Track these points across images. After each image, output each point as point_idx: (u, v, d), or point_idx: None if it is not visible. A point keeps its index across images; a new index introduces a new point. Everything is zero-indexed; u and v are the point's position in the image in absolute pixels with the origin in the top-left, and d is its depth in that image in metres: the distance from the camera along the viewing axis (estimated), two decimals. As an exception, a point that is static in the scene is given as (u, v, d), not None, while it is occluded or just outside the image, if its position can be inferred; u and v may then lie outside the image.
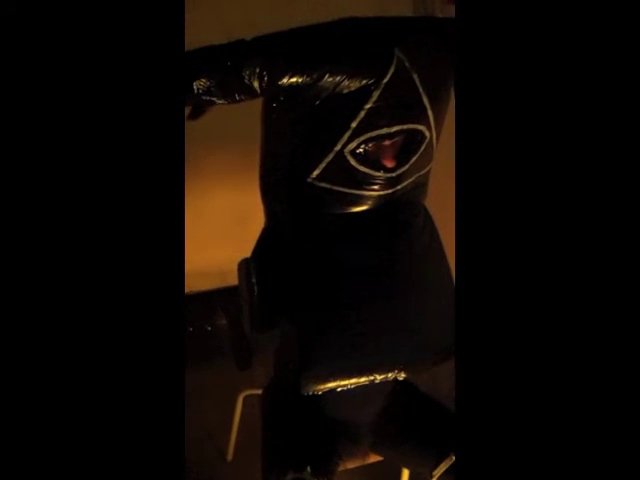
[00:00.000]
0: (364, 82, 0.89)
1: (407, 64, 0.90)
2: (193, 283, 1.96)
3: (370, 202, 1.02)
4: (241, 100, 0.92)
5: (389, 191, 1.00)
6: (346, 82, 0.88)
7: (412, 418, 1.15)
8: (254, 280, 1.13)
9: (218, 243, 1.87)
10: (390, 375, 1.05)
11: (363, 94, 0.90)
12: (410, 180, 1.02)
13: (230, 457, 1.58)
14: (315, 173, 0.97)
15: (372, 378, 1.04)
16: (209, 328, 1.94)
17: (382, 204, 1.03)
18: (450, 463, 1.07)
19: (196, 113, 0.94)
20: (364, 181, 0.98)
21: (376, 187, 0.99)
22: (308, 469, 0.98)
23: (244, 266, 1.15)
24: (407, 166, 0.99)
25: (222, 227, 1.95)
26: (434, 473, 1.08)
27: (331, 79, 0.88)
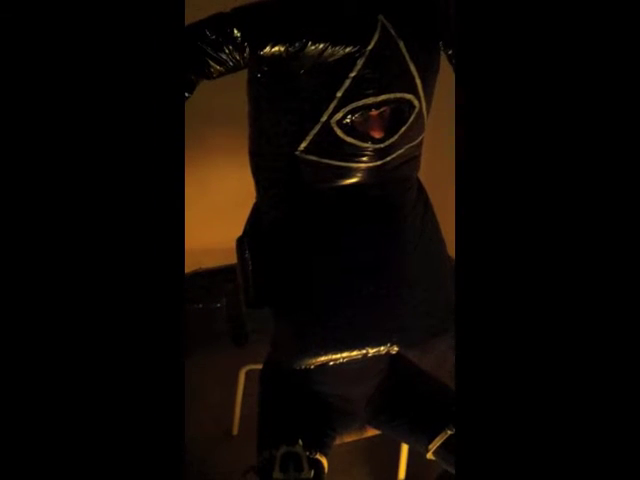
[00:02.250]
0: (347, 50, 0.86)
1: (392, 31, 0.87)
2: (199, 260, 1.98)
3: (360, 175, 0.99)
4: (224, 73, 0.91)
5: (378, 163, 0.98)
6: (329, 50, 0.86)
7: (408, 392, 1.15)
8: (247, 256, 1.12)
9: (224, 220, 1.89)
10: (382, 349, 1.04)
11: (347, 62, 0.87)
12: (400, 152, 1.00)
13: (235, 431, 1.60)
14: (302, 146, 0.95)
15: (364, 352, 1.03)
16: (218, 305, 1.95)
17: (372, 177, 1.01)
18: (445, 437, 1.06)
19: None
20: (352, 153, 0.96)
21: (365, 159, 0.97)
22: (300, 443, 0.99)
23: (239, 243, 1.15)
24: (396, 137, 0.96)
25: (227, 204, 1.96)
26: (429, 447, 1.08)
27: (313, 47, 0.85)
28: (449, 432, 1.06)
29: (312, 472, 0.95)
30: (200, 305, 1.97)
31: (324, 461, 1.02)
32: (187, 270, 1.98)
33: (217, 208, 1.98)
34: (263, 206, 1.08)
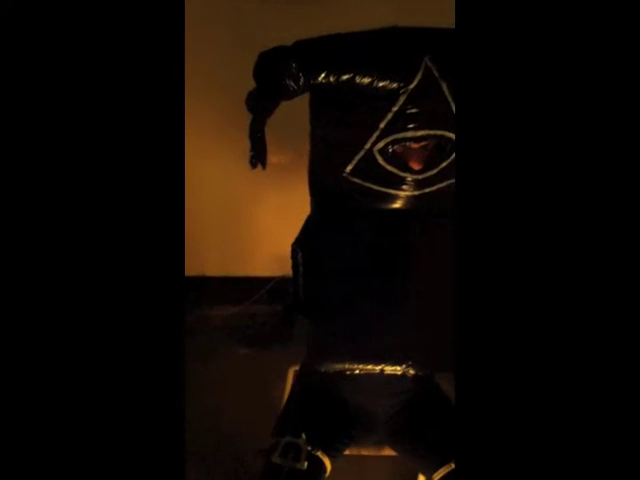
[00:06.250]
0: (392, 86, 0.95)
1: (436, 73, 0.94)
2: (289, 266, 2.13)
3: (399, 202, 1.07)
4: (288, 98, 1.04)
5: (416, 193, 1.05)
6: (375, 84, 0.95)
7: (427, 417, 1.17)
8: (300, 262, 1.24)
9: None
10: (398, 369, 1.10)
11: (391, 97, 0.95)
12: (442, 185, 1.05)
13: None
14: (349, 168, 1.05)
15: (380, 368, 1.09)
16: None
17: (412, 205, 1.07)
18: (449, 470, 1.07)
19: (258, 155, 1.06)
20: (392, 180, 1.04)
21: (404, 187, 1.04)
22: (303, 436, 1.07)
23: (292, 250, 1.26)
24: (435, 171, 1.02)
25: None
26: (433, 476, 1.09)
27: (360, 80, 0.95)
28: (452, 466, 1.07)
29: (306, 464, 1.02)
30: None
31: (326, 461, 1.08)
32: (275, 274, 2.16)
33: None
34: (313, 219, 1.18)
